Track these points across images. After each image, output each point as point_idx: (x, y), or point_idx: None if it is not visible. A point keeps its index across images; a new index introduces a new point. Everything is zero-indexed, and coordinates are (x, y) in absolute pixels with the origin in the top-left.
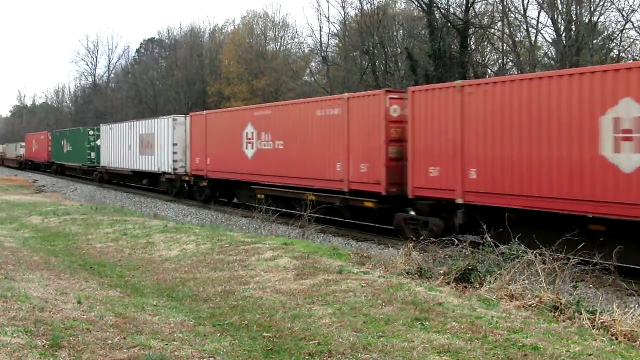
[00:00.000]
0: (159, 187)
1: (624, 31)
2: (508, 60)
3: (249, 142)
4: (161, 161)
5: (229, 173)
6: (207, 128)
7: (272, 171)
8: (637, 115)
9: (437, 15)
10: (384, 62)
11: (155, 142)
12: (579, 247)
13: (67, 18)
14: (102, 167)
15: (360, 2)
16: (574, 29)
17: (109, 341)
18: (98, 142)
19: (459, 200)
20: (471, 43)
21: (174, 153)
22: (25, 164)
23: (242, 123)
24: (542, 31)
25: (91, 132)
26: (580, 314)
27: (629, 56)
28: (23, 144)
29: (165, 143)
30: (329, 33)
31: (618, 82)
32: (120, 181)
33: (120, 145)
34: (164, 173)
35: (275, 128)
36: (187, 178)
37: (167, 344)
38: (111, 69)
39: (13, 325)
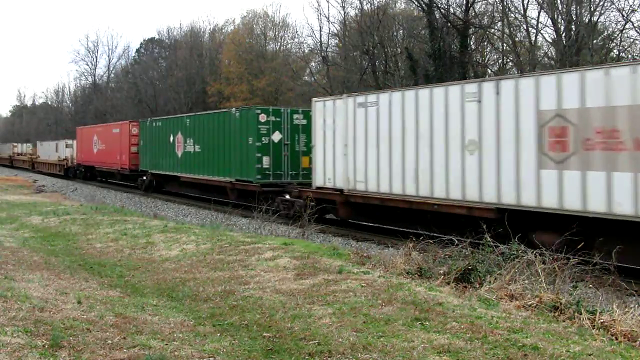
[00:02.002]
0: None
1: (624, 31)
2: (508, 60)
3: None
4: None
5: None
6: None
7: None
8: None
9: (437, 15)
10: (384, 62)
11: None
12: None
13: (67, 18)
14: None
15: (360, 2)
16: (574, 29)
17: (109, 341)
18: (277, 137)
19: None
20: (471, 43)
21: None
22: (75, 171)
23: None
24: (542, 31)
25: (263, 117)
26: (580, 314)
27: (629, 56)
28: (70, 141)
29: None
30: (329, 33)
31: None
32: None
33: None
34: None
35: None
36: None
37: (167, 344)
38: (111, 69)
39: (13, 325)
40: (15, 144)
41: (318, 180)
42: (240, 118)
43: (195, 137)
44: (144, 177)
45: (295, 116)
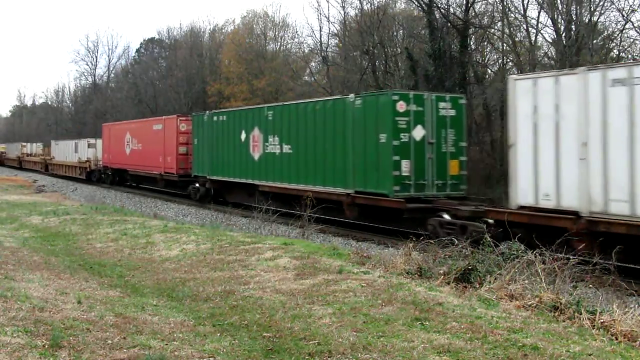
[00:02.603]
0: None
1: (624, 31)
2: (508, 60)
3: None
4: None
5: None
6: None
7: None
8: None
9: (437, 15)
10: (384, 62)
11: None
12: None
13: (67, 18)
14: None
15: (360, 2)
16: (574, 29)
17: (109, 341)
18: (419, 133)
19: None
20: (471, 43)
21: None
22: (100, 175)
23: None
24: (542, 31)
25: (402, 106)
26: (580, 314)
27: (629, 56)
28: (92, 141)
29: None
30: (329, 33)
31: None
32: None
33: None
34: None
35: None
36: None
37: (167, 344)
38: (111, 69)
39: (13, 325)
40: (24, 144)
41: (523, 196)
42: (364, 107)
43: (282, 133)
44: (198, 185)
45: (441, 105)
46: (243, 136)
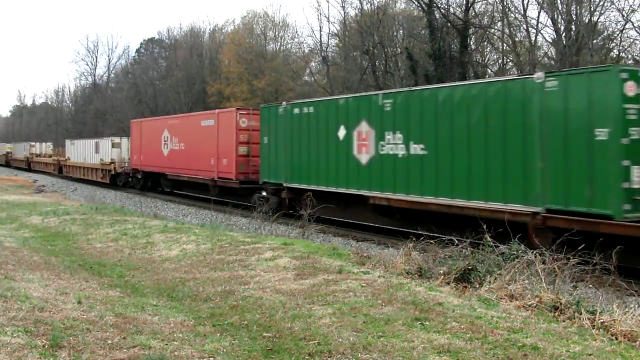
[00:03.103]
0: None
1: (624, 31)
2: (508, 60)
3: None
4: None
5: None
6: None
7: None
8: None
9: (437, 15)
10: (384, 62)
11: None
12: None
13: (67, 18)
14: None
15: (360, 2)
16: (574, 29)
17: (109, 341)
18: None
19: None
20: (471, 43)
21: None
22: (128, 179)
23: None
24: (542, 31)
25: (632, 87)
26: (580, 314)
27: (629, 56)
28: (117, 140)
29: None
30: (329, 33)
31: None
32: None
33: None
34: None
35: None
36: None
37: (167, 344)
38: (111, 69)
39: (13, 325)
40: (32, 144)
41: None
42: (564, 89)
43: (408, 129)
44: (266, 194)
45: None
46: (342, 133)
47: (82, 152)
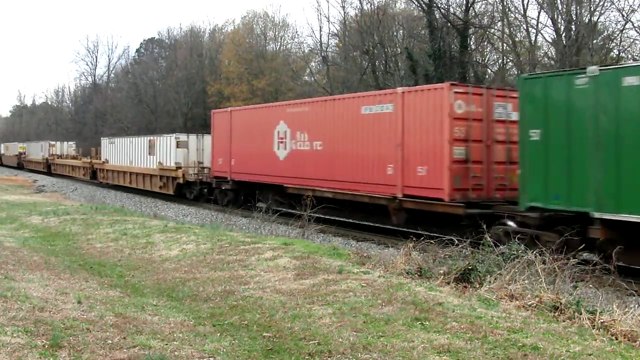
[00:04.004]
0: None
1: (624, 31)
2: (508, 60)
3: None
4: None
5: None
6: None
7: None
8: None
9: (437, 15)
10: (384, 62)
11: None
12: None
13: (67, 18)
14: None
15: (360, 2)
16: (574, 29)
17: (109, 341)
18: None
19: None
20: (471, 43)
21: None
22: (202, 190)
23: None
24: (542, 31)
25: None
26: (580, 314)
27: (629, 56)
28: (183, 137)
29: None
30: (329, 33)
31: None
32: None
33: None
34: None
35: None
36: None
37: (167, 344)
38: (111, 69)
39: (13, 325)
40: (52, 143)
41: None
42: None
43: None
44: (516, 225)
45: None
46: None
47: (127, 153)
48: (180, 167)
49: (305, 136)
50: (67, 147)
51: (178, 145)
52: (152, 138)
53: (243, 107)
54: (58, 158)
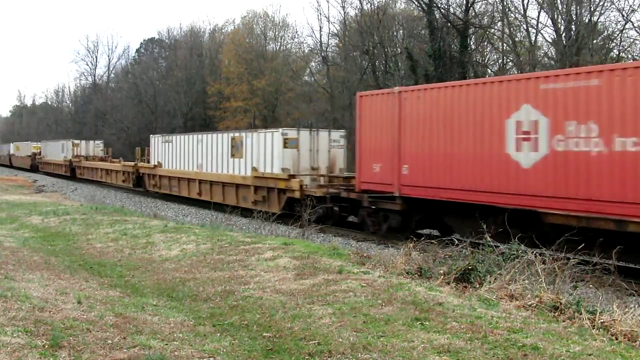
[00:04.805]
0: None
1: (624, 31)
2: (508, 60)
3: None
4: None
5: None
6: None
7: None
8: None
9: (437, 15)
10: (384, 62)
11: None
12: (579, 247)
13: (67, 18)
14: None
15: (360, 2)
16: (574, 29)
17: (109, 341)
18: None
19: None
20: (471, 43)
21: None
22: (329, 210)
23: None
24: (542, 31)
25: None
26: (580, 314)
27: (629, 56)
28: (290, 132)
29: None
30: (329, 33)
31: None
32: None
33: None
34: None
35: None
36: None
37: (167, 344)
38: (111, 69)
39: (13, 325)
40: (76, 142)
41: None
42: None
43: None
44: None
45: None
46: None
47: (192, 155)
48: (293, 176)
49: (593, 129)
50: (94, 147)
51: (285, 144)
52: (236, 135)
53: (425, 86)
54: (85, 160)
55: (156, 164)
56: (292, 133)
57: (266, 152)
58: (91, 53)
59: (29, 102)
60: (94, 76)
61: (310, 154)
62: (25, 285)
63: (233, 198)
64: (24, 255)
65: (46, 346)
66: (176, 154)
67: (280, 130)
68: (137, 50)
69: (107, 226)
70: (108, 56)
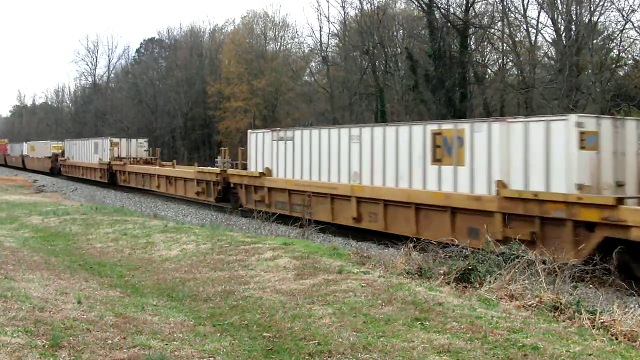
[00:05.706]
0: None
1: (624, 31)
2: (508, 60)
3: None
4: None
5: None
6: None
7: None
8: None
9: (437, 15)
10: (384, 62)
11: None
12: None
13: (67, 18)
14: None
15: (360, 2)
16: (574, 29)
17: (109, 341)
18: None
19: None
20: (471, 43)
21: None
22: None
23: None
24: (542, 31)
25: None
26: (580, 314)
27: (629, 56)
28: (588, 122)
29: None
30: (329, 33)
31: None
32: None
33: None
34: None
35: None
36: None
37: (167, 344)
38: (111, 69)
39: (13, 325)
40: (115, 140)
41: None
42: None
43: None
44: None
45: None
46: None
47: (334, 157)
48: (621, 200)
49: None
50: (137, 147)
51: (582, 142)
52: (447, 127)
53: None
54: (130, 164)
55: (262, 172)
56: (590, 123)
57: (528, 156)
58: (91, 53)
59: (29, 102)
60: (94, 76)
61: (614, 159)
62: (25, 285)
63: (442, 228)
64: (24, 255)
65: (46, 346)
66: (304, 157)
67: (572, 117)
68: (137, 50)
69: (107, 226)
70: (108, 56)
